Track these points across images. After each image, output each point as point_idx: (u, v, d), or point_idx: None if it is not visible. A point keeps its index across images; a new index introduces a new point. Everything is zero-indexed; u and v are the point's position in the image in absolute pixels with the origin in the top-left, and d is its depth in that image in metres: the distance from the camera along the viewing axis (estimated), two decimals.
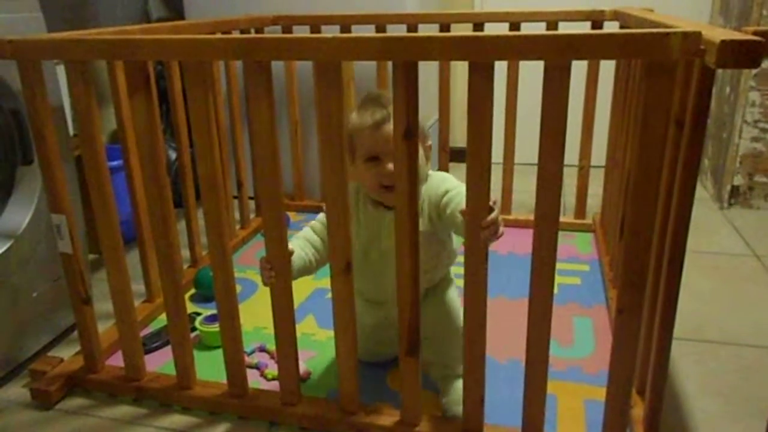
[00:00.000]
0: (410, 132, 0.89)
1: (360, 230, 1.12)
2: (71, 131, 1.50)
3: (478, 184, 0.88)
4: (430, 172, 1.11)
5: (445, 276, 1.22)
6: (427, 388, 1.20)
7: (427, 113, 2.32)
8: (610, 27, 1.73)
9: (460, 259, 0.97)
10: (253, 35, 1.80)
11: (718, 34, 0.72)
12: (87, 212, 1.32)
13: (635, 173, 0.84)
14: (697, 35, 0.73)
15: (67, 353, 1.33)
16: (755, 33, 0.72)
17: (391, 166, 1.01)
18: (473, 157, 0.87)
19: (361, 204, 1.13)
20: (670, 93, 0.80)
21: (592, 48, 0.76)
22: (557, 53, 0.78)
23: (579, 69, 1.57)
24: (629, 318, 0.91)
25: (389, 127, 1.00)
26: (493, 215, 0.90)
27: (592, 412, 1.13)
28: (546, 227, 0.88)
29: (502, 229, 0.92)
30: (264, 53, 0.90)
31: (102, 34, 1.17)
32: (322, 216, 1.15)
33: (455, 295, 1.20)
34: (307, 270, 1.11)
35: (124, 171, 1.43)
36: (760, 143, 2.11)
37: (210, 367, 1.27)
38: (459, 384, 1.10)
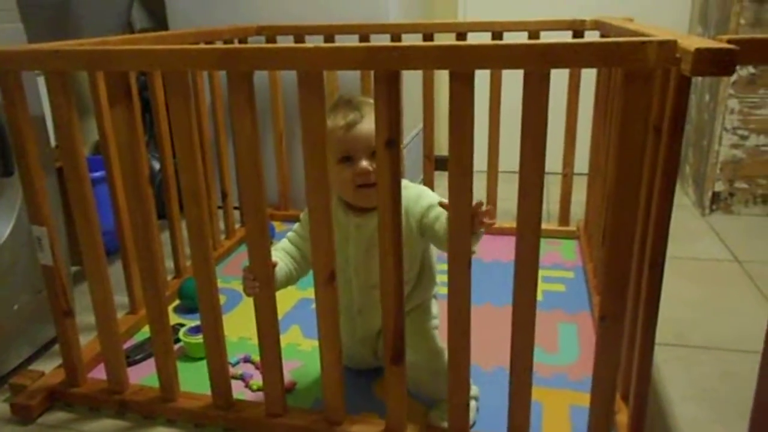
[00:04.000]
0: (392, 141, 0.90)
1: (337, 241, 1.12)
2: (53, 142, 1.49)
3: (460, 191, 0.89)
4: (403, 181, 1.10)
5: (425, 306, 1.19)
6: (411, 396, 1.20)
7: (412, 122, 2.33)
8: (591, 36, 1.75)
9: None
10: (235, 45, 1.80)
11: (693, 42, 0.73)
12: (69, 224, 1.30)
13: (614, 180, 0.85)
14: (673, 44, 0.75)
15: (49, 366, 1.32)
16: (729, 41, 0.73)
17: (364, 163, 1.02)
18: (455, 165, 0.88)
19: (333, 210, 1.12)
20: (647, 101, 0.81)
21: (570, 57, 0.77)
22: (536, 62, 0.79)
23: (562, 77, 1.59)
24: (611, 324, 0.91)
25: (362, 127, 1.01)
26: (476, 201, 0.90)
27: (577, 418, 1.14)
28: (528, 234, 0.89)
29: (488, 219, 0.91)
30: (246, 63, 0.90)
31: (83, 44, 1.16)
32: (297, 227, 1.15)
33: (435, 334, 1.18)
34: (288, 281, 1.12)
35: (107, 182, 1.42)
36: (740, 150, 2.15)
37: (195, 379, 1.26)
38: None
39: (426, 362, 1.13)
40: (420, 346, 1.13)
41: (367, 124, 1.01)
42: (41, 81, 1.19)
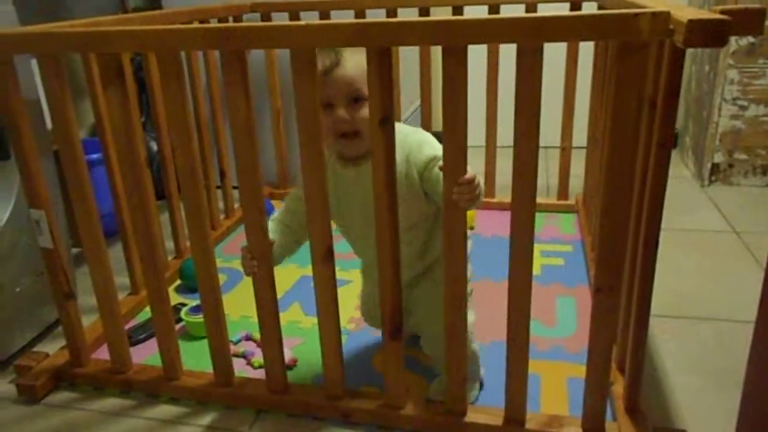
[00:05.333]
0: (387, 119, 0.90)
1: (334, 199, 1.09)
2: (49, 125, 1.49)
3: (454, 168, 0.89)
4: (400, 125, 1.05)
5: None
6: (414, 371, 1.21)
7: (410, 98, 2.32)
8: (590, 9, 1.73)
9: None
10: (226, 24, 1.78)
11: (686, 13, 0.73)
12: (68, 206, 1.31)
13: (609, 153, 0.85)
14: (666, 15, 0.74)
15: (53, 348, 1.33)
16: (723, 12, 0.72)
17: (342, 112, 0.98)
18: (449, 141, 0.88)
19: (330, 164, 1.08)
20: (641, 73, 0.81)
21: (562, 30, 0.77)
22: (529, 36, 0.78)
23: (561, 49, 1.58)
24: (607, 296, 0.92)
25: (339, 71, 0.97)
26: (469, 175, 0.89)
27: (574, 390, 1.15)
28: (523, 208, 0.89)
29: (480, 191, 0.91)
30: (238, 42, 0.90)
31: (75, 26, 1.15)
32: (295, 191, 1.13)
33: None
34: (289, 253, 1.11)
35: (104, 164, 1.42)
36: (739, 120, 2.14)
37: (198, 357, 1.28)
38: None
39: (441, 335, 1.12)
40: (437, 318, 1.09)
41: (344, 69, 0.96)
42: (35, 63, 1.18)
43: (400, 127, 1.03)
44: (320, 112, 0.98)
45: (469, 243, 1.16)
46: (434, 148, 1.03)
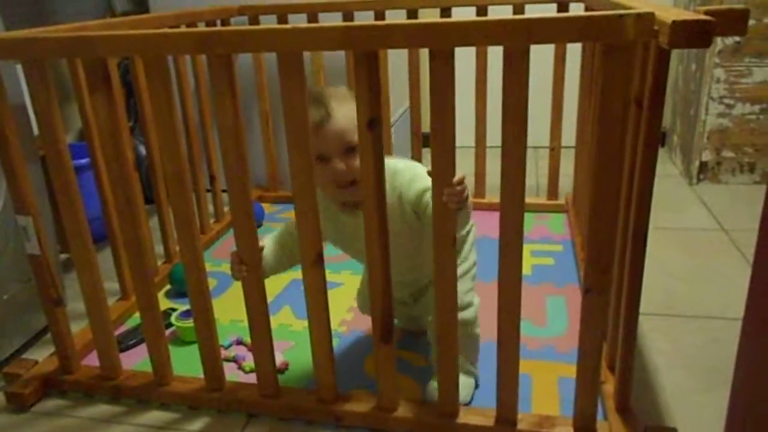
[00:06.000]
0: (374, 122, 0.90)
1: (335, 234, 1.13)
2: (35, 130, 1.48)
3: (442, 170, 0.89)
4: (390, 160, 1.06)
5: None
6: (406, 373, 1.21)
7: (400, 99, 2.32)
8: (577, 10, 1.74)
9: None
10: (211, 28, 1.78)
11: (670, 14, 0.73)
12: (56, 211, 1.30)
13: (596, 153, 0.85)
14: (650, 16, 0.74)
15: (42, 354, 1.32)
16: (707, 12, 0.73)
17: (340, 165, 0.99)
18: (437, 143, 0.88)
19: (331, 210, 1.10)
20: (627, 74, 0.81)
21: (548, 32, 0.77)
22: (515, 38, 0.78)
23: (549, 50, 1.59)
24: (596, 297, 0.92)
25: (330, 126, 0.98)
26: (459, 177, 0.89)
27: (565, 389, 1.16)
28: (512, 208, 0.89)
29: (467, 193, 0.92)
30: (224, 46, 0.89)
31: (59, 31, 1.14)
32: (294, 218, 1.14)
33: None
34: (279, 269, 1.13)
35: (92, 169, 1.41)
36: (726, 119, 2.15)
37: (188, 362, 1.27)
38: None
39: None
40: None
41: (335, 122, 0.97)
42: (21, 68, 1.17)
43: (389, 163, 1.03)
44: (314, 164, 0.99)
45: (474, 230, 1.16)
46: (423, 180, 1.04)
